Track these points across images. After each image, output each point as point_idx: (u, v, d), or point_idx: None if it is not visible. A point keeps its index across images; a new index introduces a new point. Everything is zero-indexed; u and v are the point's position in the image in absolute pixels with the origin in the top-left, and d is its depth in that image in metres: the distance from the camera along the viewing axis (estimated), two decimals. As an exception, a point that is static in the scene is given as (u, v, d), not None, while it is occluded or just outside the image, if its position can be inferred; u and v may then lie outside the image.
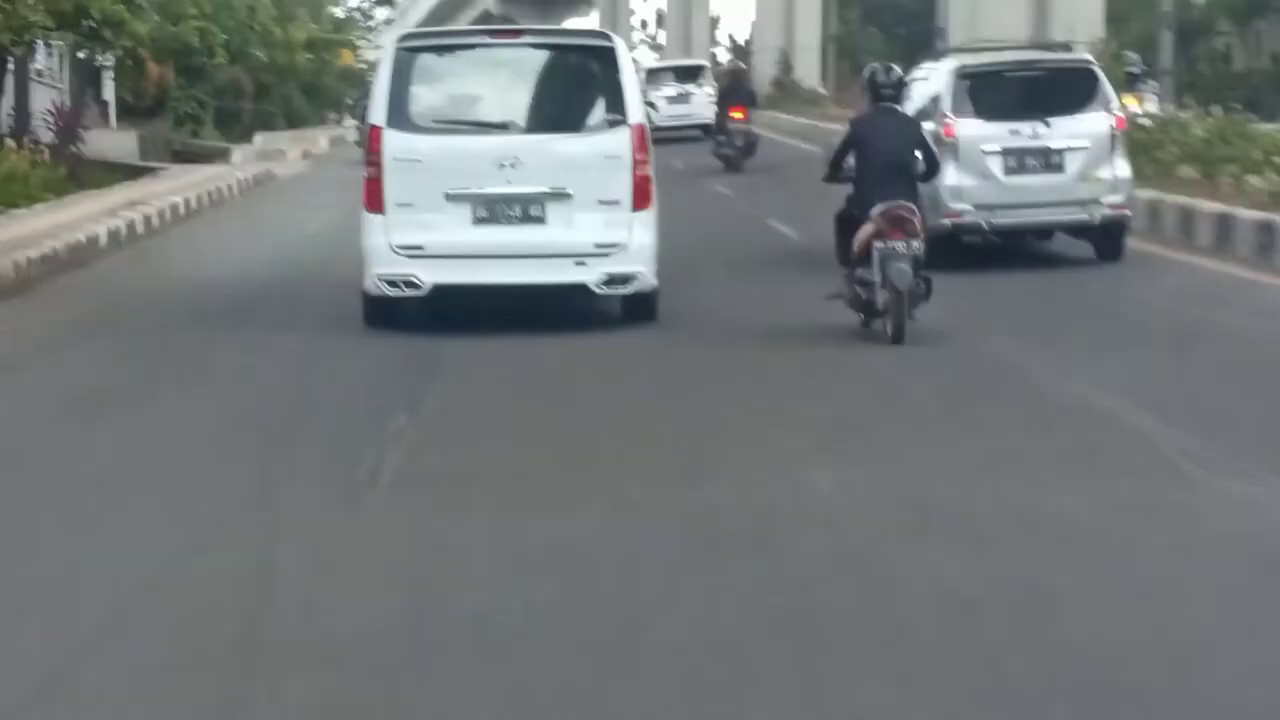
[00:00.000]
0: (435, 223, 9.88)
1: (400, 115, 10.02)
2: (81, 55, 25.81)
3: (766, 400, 8.06)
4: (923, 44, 23.83)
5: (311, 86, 49.28)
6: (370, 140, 10.13)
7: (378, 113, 10.07)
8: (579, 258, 9.88)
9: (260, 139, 36.40)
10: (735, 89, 27.18)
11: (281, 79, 44.00)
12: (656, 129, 33.06)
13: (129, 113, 34.23)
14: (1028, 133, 12.80)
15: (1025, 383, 8.37)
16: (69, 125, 22.81)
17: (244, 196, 23.26)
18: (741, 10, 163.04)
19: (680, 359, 9.35)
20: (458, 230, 9.89)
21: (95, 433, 7.48)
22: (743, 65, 36.45)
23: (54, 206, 17.77)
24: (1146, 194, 14.70)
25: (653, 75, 36.61)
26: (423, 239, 9.86)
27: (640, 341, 9.87)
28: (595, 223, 9.89)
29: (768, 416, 7.59)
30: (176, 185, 22.09)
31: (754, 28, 50.86)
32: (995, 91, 13.21)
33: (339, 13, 61.96)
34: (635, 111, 10.06)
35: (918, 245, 9.31)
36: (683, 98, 34.01)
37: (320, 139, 38.27)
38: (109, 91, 33.28)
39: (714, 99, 29.01)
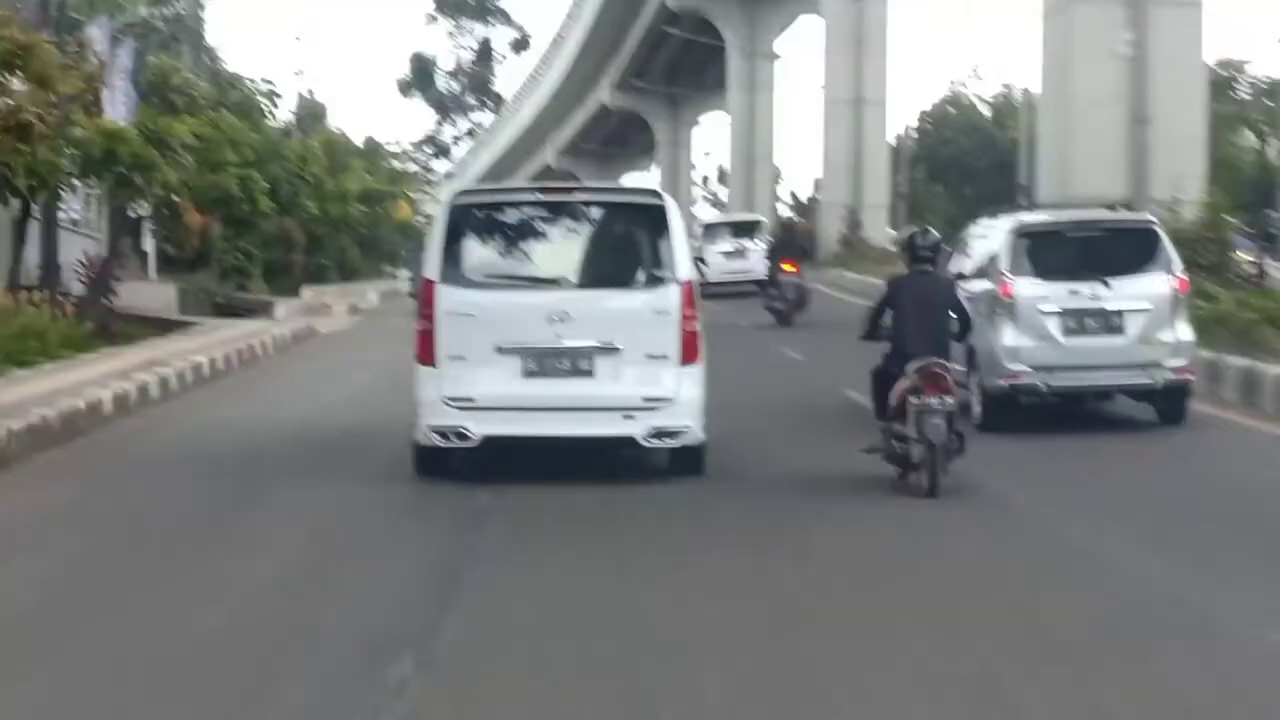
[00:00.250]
0: (486, 375, 10.22)
1: (454, 270, 10.43)
2: (118, 204, 25.49)
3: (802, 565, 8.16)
4: (991, 203, 23.70)
5: (367, 239, 49.67)
6: (423, 294, 10.52)
7: (432, 267, 10.50)
8: (627, 411, 10.19)
9: (309, 292, 36.44)
10: (787, 242, 27.96)
11: (334, 231, 44.08)
12: (712, 284, 34.14)
13: (170, 264, 33.82)
14: (1087, 293, 12.94)
15: (1089, 560, 8.30)
16: (100, 276, 22.20)
17: (280, 355, 22.52)
18: (806, 167, 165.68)
19: (726, 513, 9.61)
20: (508, 383, 10.22)
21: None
22: (795, 219, 37.06)
23: (67, 365, 16.50)
24: (1206, 354, 14.69)
25: (709, 230, 37.66)
26: (473, 391, 10.21)
27: (686, 492, 10.20)
28: (643, 377, 10.23)
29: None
30: (207, 342, 21.28)
31: (820, 184, 51.17)
32: (1054, 251, 13.38)
33: (397, 164, 63.36)
34: (684, 268, 10.46)
35: (951, 401, 9.93)
36: (739, 253, 34.69)
37: (370, 293, 38.60)
38: (149, 242, 33.00)
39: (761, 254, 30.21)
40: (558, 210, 10.90)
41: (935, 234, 11.04)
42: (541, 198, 11.07)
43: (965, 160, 54.07)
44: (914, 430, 9.90)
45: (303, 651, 6.35)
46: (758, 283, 29.87)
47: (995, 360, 12.93)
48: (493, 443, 10.25)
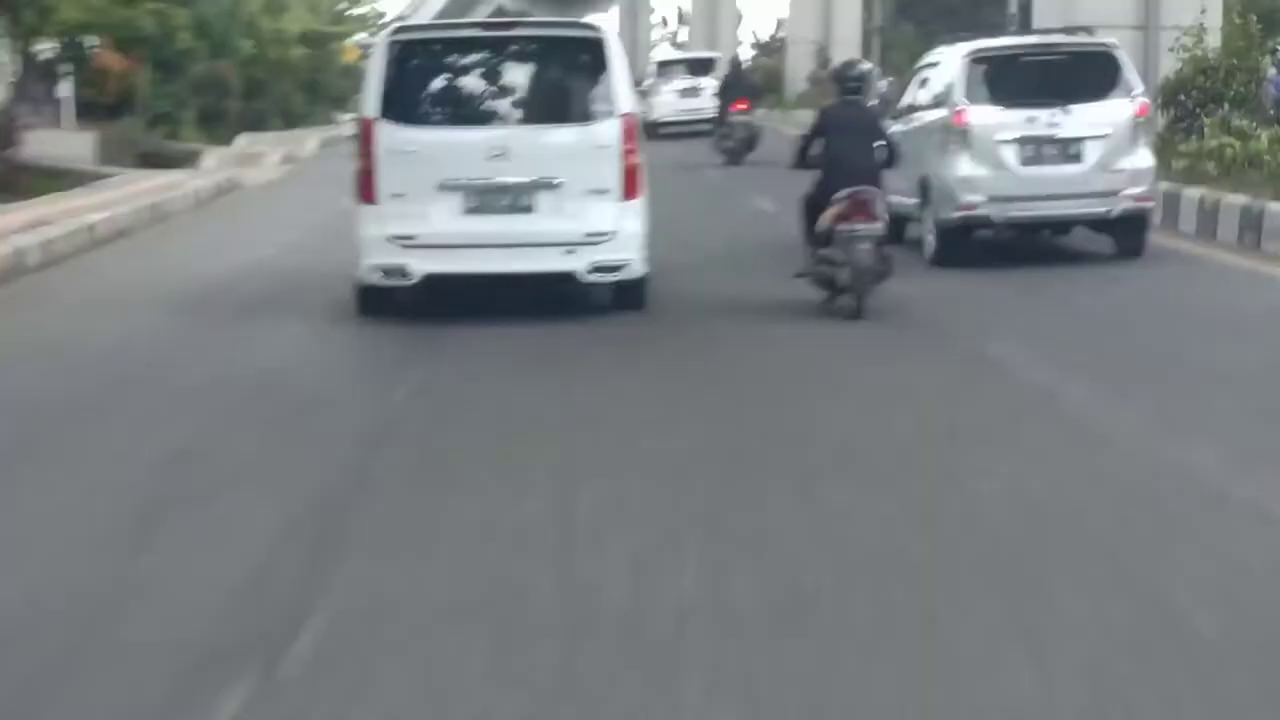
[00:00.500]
0: (427, 212, 10.55)
1: (393, 107, 10.68)
2: (24, 46, 23.72)
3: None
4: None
5: (311, 84, 48.38)
6: (362, 132, 10.77)
7: (370, 105, 10.75)
8: (568, 246, 10.54)
9: (243, 140, 35.05)
10: (736, 81, 27.98)
11: (274, 75, 42.70)
12: (665, 123, 33.76)
13: (91, 112, 31.27)
14: (1045, 120, 12.90)
15: (999, 373, 8.74)
16: (3, 126, 20.85)
17: (199, 210, 20.82)
18: (768, 7, 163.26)
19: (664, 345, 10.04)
20: (449, 220, 10.56)
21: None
22: (742, 57, 37.03)
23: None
24: (1165, 185, 14.76)
25: (664, 68, 37.71)
26: (415, 229, 10.54)
27: (626, 328, 10.52)
28: (584, 211, 10.56)
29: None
30: (112, 198, 19.41)
31: (788, 21, 49.68)
32: (1011, 77, 13.35)
33: (344, 4, 61.24)
34: (624, 102, 10.76)
35: (879, 227, 10.66)
36: (693, 91, 34.56)
37: (310, 140, 37.03)
38: (65, 88, 30.59)
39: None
40: (497, 46, 11.26)
41: (865, 65, 12.28)
42: (480, 34, 11.50)
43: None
44: (841, 254, 10.63)
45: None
46: (712, 120, 29.89)
47: (949, 192, 12.96)
48: (434, 280, 10.58)
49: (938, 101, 13.68)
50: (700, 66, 36.97)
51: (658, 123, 33.68)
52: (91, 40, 27.75)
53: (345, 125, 39.66)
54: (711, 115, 29.87)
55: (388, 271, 10.59)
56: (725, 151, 26.33)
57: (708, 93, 33.50)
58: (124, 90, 32.07)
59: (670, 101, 34.72)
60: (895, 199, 14.47)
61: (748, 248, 14.61)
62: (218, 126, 35.97)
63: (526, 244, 10.56)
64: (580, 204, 10.59)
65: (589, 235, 10.58)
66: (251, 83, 40.25)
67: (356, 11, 58.71)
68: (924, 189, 13.38)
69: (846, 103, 11.47)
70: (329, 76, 50.91)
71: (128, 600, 5.02)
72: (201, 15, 34.03)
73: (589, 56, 10.99)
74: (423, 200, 10.58)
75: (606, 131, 10.68)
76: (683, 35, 74.76)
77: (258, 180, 26.09)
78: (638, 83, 41.01)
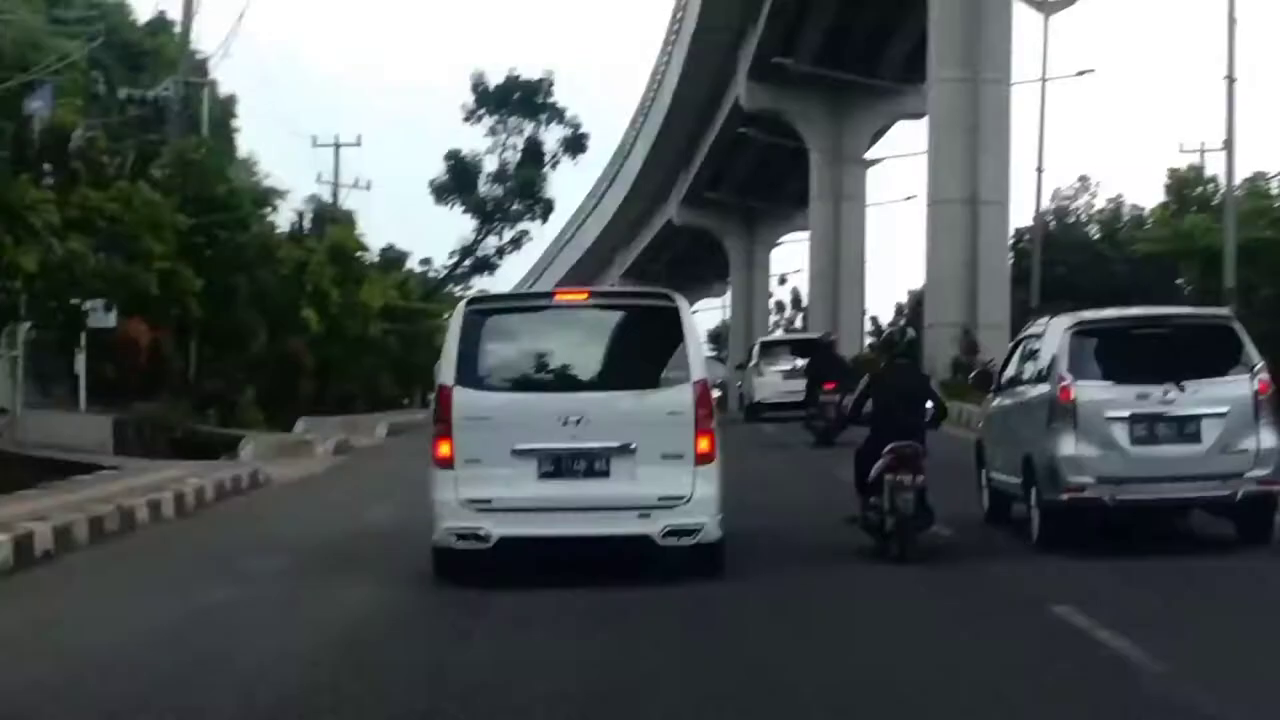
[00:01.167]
0: (502, 477, 11.47)
1: (469, 374, 11.69)
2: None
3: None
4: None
5: (403, 363, 49.11)
6: (440, 399, 11.72)
7: (447, 372, 11.72)
8: (642, 510, 11.44)
9: (302, 425, 33.74)
10: (827, 362, 29.65)
11: (354, 353, 42.62)
12: (770, 404, 34.36)
13: (111, 391, 29.61)
14: (1158, 397, 13.06)
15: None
16: None
17: (181, 519, 17.60)
18: (889, 290, 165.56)
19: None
20: (524, 484, 11.46)
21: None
22: (832, 336, 38.34)
23: None
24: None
25: (767, 349, 39.25)
26: (490, 493, 11.47)
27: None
28: (658, 476, 11.45)
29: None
30: (71, 501, 16.70)
31: (927, 303, 45.19)
32: (1120, 351, 13.61)
33: (428, 275, 62.28)
34: (697, 368, 11.72)
35: (921, 480, 12.81)
36: (797, 372, 35.10)
37: (379, 425, 36.07)
38: (80, 363, 29.19)
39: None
40: (570, 314, 12.47)
41: (912, 332, 14.62)
42: (555, 302, 12.69)
43: (1074, 281, 53.13)
44: (887, 503, 12.79)
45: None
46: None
47: (1055, 471, 13.04)
48: (510, 544, 11.51)
49: (1041, 375, 13.81)
50: (804, 348, 37.50)
51: (762, 404, 34.74)
52: (95, 304, 25.67)
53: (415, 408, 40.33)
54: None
55: (463, 535, 11.46)
56: (815, 431, 27.65)
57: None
58: (156, 365, 30.47)
59: (774, 383, 35.75)
60: (998, 477, 14.62)
61: (826, 514, 14.84)
62: (283, 410, 35.01)
63: (601, 508, 11.38)
64: (654, 469, 11.42)
65: (663, 499, 11.39)
66: (325, 362, 40.14)
67: (460, 290, 60.56)
68: (1028, 468, 13.55)
69: (896, 366, 13.83)
70: (425, 355, 52.66)
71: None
72: (262, 283, 32.93)
73: (663, 324, 11.89)
74: (499, 464, 11.42)
75: (680, 397, 11.56)
76: (799, 322, 76.27)
77: (292, 475, 23.48)
78: (739, 365, 41.47)
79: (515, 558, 11.72)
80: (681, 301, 12.21)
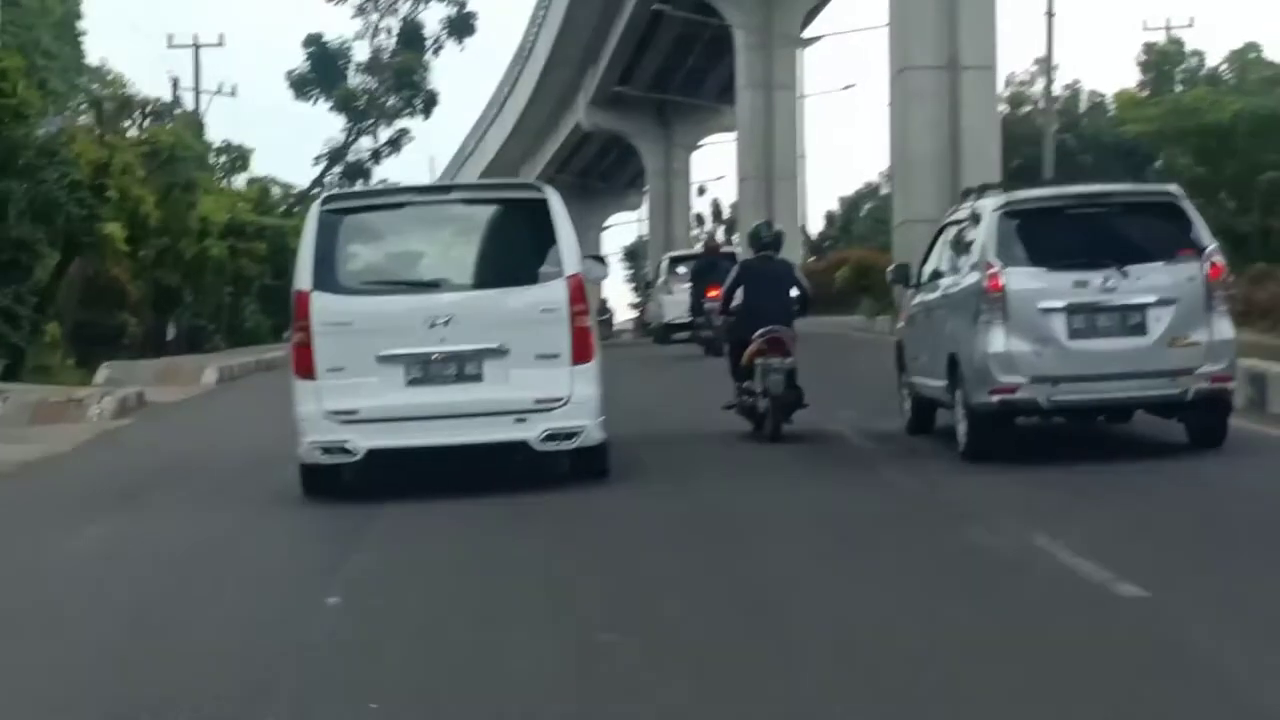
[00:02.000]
0: (367, 386, 11.93)
1: (327, 277, 12.14)
2: None
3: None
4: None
5: (274, 292, 46.90)
6: (297, 305, 12.14)
7: (303, 276, 12.17)
8: (519, 414, 11.97)
9: (105, 372, 29.14)
10: (711, 266, 30.25)
11: (194, 279, 39.68)
12: (680, 324, 34.37)
13: None
14: (1098, 284, 12.93)
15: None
16: None
17: None
18: (828, 186, 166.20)
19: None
20: (391, 393, 11.94)
21: None
22: (719, 240, 38.90)
23: None
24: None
25: (677, 264, 39.11)
26: (355, 403, 11.93)
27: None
28: (534, 378, 11.97)
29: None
30: None
31: (895, 195, 39.63)
32: (1055, 234, 13.44)
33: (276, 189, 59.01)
34: (571, 263, 12.20)
35: (790, 361, 15.18)
36: None
37: (206, 372, 29.90)
38: None
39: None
40: (434, 211, 12.87)
41: (779, 227, 17.53)
42: (417, 198, 12.95)
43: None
44: (760, 385, 15.19)
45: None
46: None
47: (984, 371, 12.92)
48: (380, 456, 12.06)
49: (966, 265, 13.58)
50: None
51: (672, 324, 34.28)
52: None
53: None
54: None
55: (328, 449, 11.97)
56: (702, 341, 28.29)
57: None
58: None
59: (684, 301, 35.37)
60: (921, 381, 14.43)
61: (712, 425, 16.11)
62: (106, 351, 32.06)
63: (475, 414, 11.92)
64: (529, 370, 11.95)
65: (539, 402, 11.94)
66: (167, 291, 37.84)
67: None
68: (953, 368, 13.49)
69: (762, 258, 16.24)
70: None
71: None
72: (46, 191, 28.11)
73: (532, 217, 12.42)
74: (363, 373, 11.92)
75: (553, 294, 12.09)
76: (724, 234, 76.02)
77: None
78: (649, 283, 41.89)
79: (389, 471, 12.35)
80: (551, 193, 12.64)
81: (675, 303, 36.01)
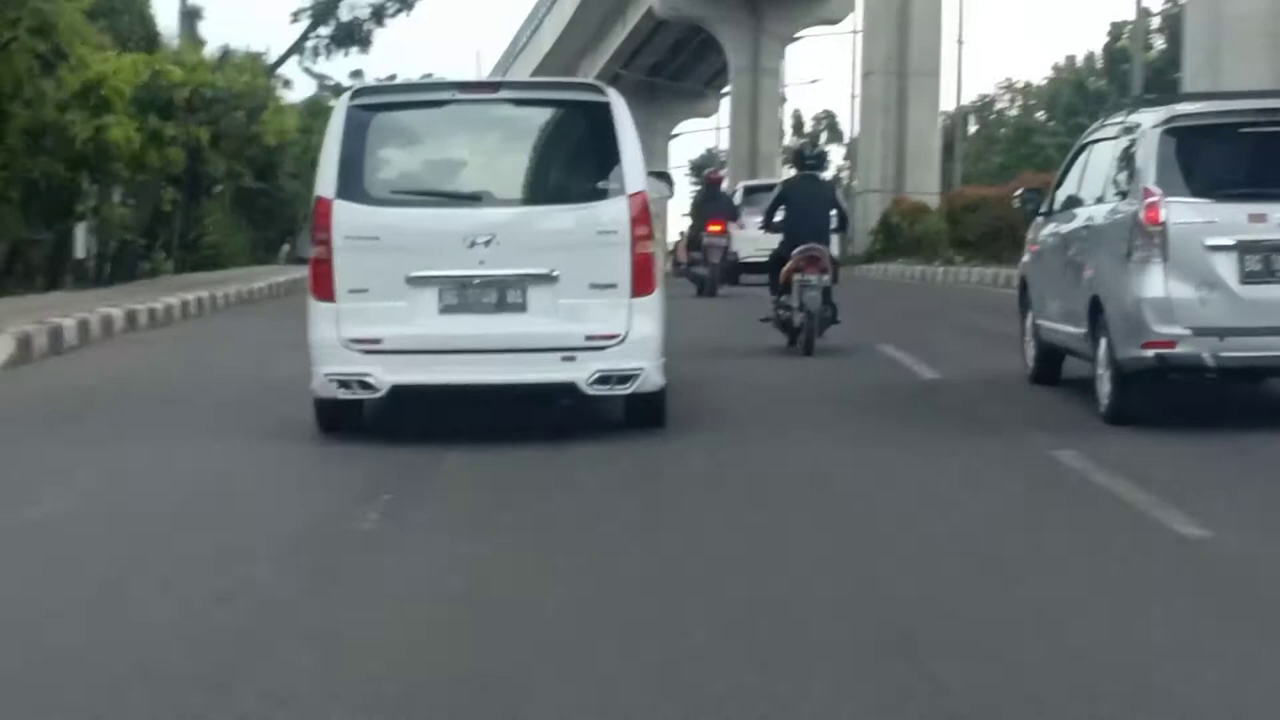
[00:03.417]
0: (395, 312, 12.03)
1: (354, 185, 12.22)
2: None
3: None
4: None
5: (250, 196, 44.92)
6: (317, 215, 12.23)
7: (326, 182, 12.24)
8: (567, 352, 12.02)
9: None
10: (712, 198, 33.01)
11: (94, 168, 33.69)
12: (752, 265, 35.28)
13: None
14: (1278, 219, 12.65)
15: None
16: None
17: None
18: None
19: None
20: (422, 320, 12.04)
21: None
22: (722, 173, 42.94)
23: None
24: None
25: (753, 195, 39.94)
26: (380, 331, 12.05)
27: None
28: (587, 311, 12.04)
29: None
30: None
31: (859, 171, 59.03)
32: (1228, 156, 13.30)
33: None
34: (635, 178, 12.21)
35: (827, 279, 18.79)
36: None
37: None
38: None
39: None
40: (479, 111, 12.87)
41: (821, 146, 21.91)
42: (460, 96, 12.80)
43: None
44: (795, 301, 18.81)
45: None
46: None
47: (1136, 320, 12.78)
48: (405, 392, 12.22)
49: (1116, 191, 13.40)
50: None
51: (744, 263, 34.75)
52: None
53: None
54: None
55: (346, 383, 12.07)
56: (696, 279, 30.29)
57: None
58: None
59: (758, 238, 35.82)
60: (1050, 326, 14.39)
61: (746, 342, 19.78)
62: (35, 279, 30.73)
63: (516, 349, 12.02)
64: (581, 301, 12.02)
65: (591, 339, 12.00)
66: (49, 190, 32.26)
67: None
68: (1096, 315, 13.35)
69: (805, 177, 20.07)
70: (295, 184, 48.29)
71: None
72: None
73: (591, 123, 12.48)
74: (390, 297, 12.00)
75: (613, 214, 12.13)
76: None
77: None
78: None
79: (411, 408, 12.70)
80: (615, 95, 12.63)
81: (748, 239, 36.09)
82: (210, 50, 47.33)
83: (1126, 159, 13.54)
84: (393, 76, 47.55)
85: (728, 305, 28.81)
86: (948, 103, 62.15)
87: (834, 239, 37.39)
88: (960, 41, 63.62)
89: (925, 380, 16.50)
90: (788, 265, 18.83)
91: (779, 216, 19.39)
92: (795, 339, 18.96)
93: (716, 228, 31.84)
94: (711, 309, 25.46)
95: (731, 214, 33.78)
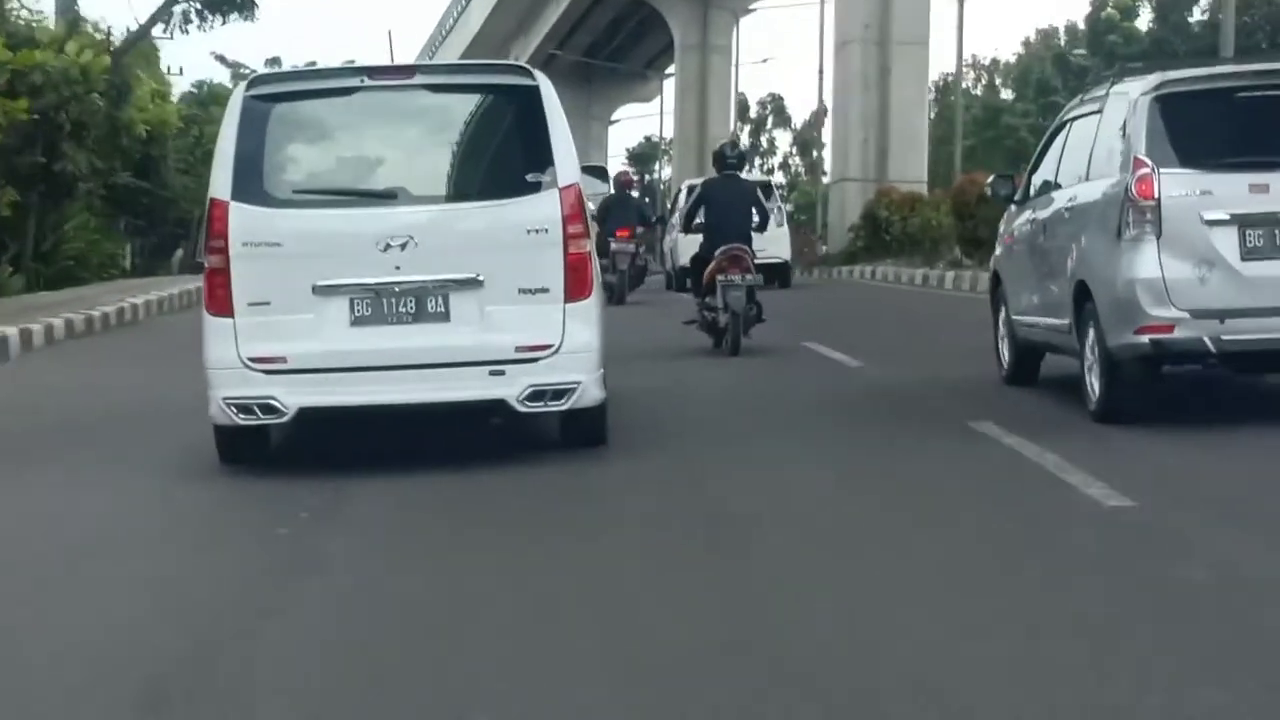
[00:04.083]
0: (301, 326, 11.74)
1: (252, 185, 11.94)
2: None
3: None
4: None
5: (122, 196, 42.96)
6: (212, 220, 11.91)
7: (220, 182, 11.93)
8: (495, 365, 11.76)
9: None
10: (620, 203, 34.02)
11: None
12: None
13: None
14: (1280, 189, 12.75)
15: None
16: None
17: None
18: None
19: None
20: (331, 334, 11.76)
21: None
22: (632, 174, 44.71)
23: None
24: None
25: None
26: (285, 348, 11.72)
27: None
28: (516, 319, 11.78)
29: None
30: None
31: (831, 157, 57.77)
32: (1223, 124, 13.23)
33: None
34: (567, 171, 11.99)
35: (751, 278, 20.15)
36: None
37: None
38: None
39: (785, 228, 39.81)
40: (393, 99, 12.57)
41: (742, 145, 22.78)
42: (370, 82, 12.46)
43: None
44: (720, 301, 20.00)
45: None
46: (773, 268, 37.06)
47: (1129, 303, 12.74)
48: (313, 415, 11.89)
49: (1103, 166, 13.34)
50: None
51: (686, 269, 35.23)
52: None
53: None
54: (770, 259, 36.28)
55: (245, 407, 11.77)
56: (605, 288, 30.68)
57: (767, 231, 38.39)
58: None
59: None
60: (1027, 320, 14.36)
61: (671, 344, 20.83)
62: None
63: (438, 363, 11.75)
64: (510, 309, 11.76)
65: (522, 350, 11.74)
66: None
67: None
68: (1081, 301, 13.28)
69: (726, 176, 21.26)
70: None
71: None
72: None
73: (518, 109, 12.32)
74: (295, 309, 11.71)
75: (543, 210, 11.86)
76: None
77: None
78: (660, 217, 44.41)
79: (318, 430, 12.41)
80: (542, 79, 12.41)
81: (693, 242, 36.25)
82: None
83: (1112, 132, 13.44)
84: (313, 63, 46.59)
85: (639, 312, 30.24)
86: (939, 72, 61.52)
87: (782, 237, 39.78)
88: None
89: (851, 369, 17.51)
90: (710, 266, 20.25)
91: (699, 218, 21.08)
92: (721, 340, 20.30)
93: (624, 234, 33.43)
94: (624, 316, 25.93)
95: (642, 219, 35.36)
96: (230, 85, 52.37)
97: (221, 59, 54.70)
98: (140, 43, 48.36)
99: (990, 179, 17.79)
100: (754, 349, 19.95)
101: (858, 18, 52.87)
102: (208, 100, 60.26)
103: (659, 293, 37.16)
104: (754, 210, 21.04)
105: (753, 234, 20.66)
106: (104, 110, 39.97)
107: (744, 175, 20.76)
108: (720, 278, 19.95)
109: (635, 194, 38.13)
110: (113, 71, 41.02)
